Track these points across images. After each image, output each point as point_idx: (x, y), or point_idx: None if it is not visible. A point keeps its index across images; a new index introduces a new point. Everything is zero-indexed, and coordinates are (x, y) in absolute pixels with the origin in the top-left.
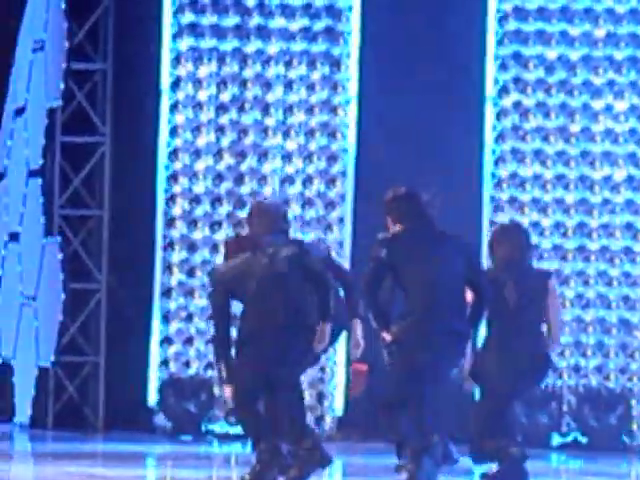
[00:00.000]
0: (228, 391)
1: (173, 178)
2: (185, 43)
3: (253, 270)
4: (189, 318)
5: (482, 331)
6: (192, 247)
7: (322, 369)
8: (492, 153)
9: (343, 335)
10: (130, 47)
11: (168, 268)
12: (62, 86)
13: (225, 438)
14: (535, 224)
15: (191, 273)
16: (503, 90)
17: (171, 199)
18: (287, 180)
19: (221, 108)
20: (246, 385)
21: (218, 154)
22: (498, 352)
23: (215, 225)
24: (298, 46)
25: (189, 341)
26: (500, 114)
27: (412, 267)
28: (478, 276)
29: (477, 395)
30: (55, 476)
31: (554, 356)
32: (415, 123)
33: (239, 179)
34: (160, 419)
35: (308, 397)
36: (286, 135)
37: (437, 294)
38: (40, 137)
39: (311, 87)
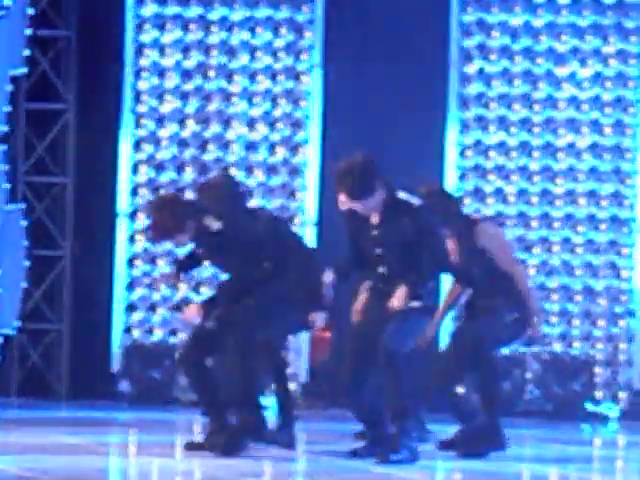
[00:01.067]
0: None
1: (138, 145)
2: (149, 9)
3: None
4: (152, 285)
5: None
6: None
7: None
8: (457, 121)
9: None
10: (94, 14)
11: (132, 235)
12: (26, 53)
13: (188, 405)
14: (499, 191)
15: None
16: (467, 57)
17: (135, 166)
18: (251, 147)
19: (185, 75)
20: None
21: (182, 121)
22: None
23: (180, 192)
24: (262, 12)
25: (153, 308)
26: (464, 81)
27: None
28: None
29: None
30: (19, 443)
31: None
32: (379, 91)
33: (203, 146)
34: (124, 386)
35: None
36: (250, 102)
37: None
38: (4, 104)
39: (275, 54)
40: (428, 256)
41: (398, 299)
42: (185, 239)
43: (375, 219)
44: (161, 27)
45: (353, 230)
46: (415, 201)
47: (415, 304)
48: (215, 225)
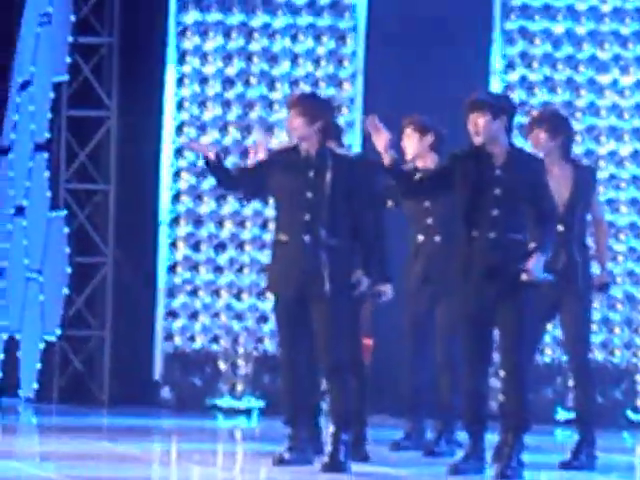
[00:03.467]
0: None
1: (179, 152)
2: (191, 16)
3: None
4: (194, 292)
5: None
6: (198, 221)
7: None
8: None
9: None
10: (136, 21)
11: (174, 242)
12: (68, 60)
13: (229, 412)
14: None
15: (196, 247)
16: (509, 65)
17: (177, 173)
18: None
19: (227, 82)
20: None
21: (224, 128)
22: None
23: (221, 199)
24: (304, 20)
25: (194, 315)
26: (506, 89)
27: None
28: None
29: None
30: (60, 451)
31: None
32: (421, 100)
33: (245, 153)
34: (165, 393)
35: None
36: None
37: None
38: (46, 111)
39: (317, 61)
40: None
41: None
42: None
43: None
44: (203, 34)
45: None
46: None
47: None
48: None
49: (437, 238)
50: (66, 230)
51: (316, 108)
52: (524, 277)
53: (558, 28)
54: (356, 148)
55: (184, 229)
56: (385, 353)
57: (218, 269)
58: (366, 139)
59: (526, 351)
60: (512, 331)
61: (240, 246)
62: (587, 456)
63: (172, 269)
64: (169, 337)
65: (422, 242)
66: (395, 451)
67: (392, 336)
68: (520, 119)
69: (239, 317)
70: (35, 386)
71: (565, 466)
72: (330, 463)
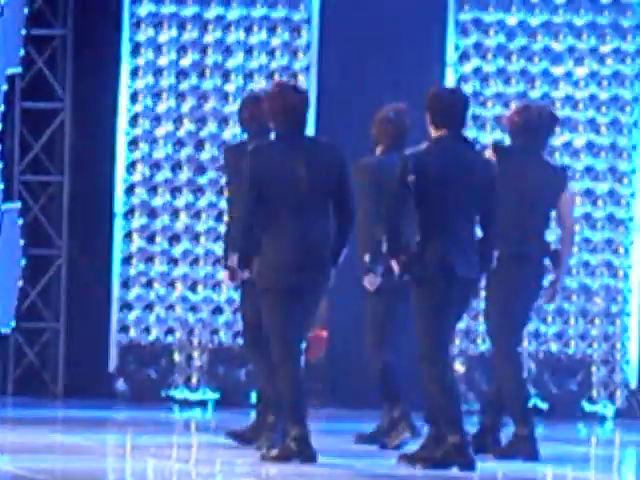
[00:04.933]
0: None
1: (133, 144)
2: (145, 8)
3: None
4: (149, 284)
5: None
6: (152, 213)
7: None
8: None
9: None
10: (90, 13)
11: (128, 234)
12: (21, 52)
13: (185, 404)
14: None
15: (151, 239)
16: (464, 56)
17: (131, 165)
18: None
19: (181, 74)
20: None
21: (178, 120)
22: None
23: (175, 191)
24: (258, 12)
25: (149, 307)
26: (460, 80)
27: None
28: None
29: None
30: (15, 442)
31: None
32: (374, 90)
33: (199, 145)
34: (120, 385)
35: None
36: None
37: None
38: None
39: (271, 53)
40: None
41: None
42: None
43: None
44: (157, 26)
45: None
46: None
47: None
48: None
49: None
50: (20, 222)
51: None
52: None
53: (512, 19)
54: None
55: (138, 221)
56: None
57: (173, 261)
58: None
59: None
60: None
61: (195, 238)
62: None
63: (127, 261)
64: (124, 329)
65: None
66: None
67: (349, 328)
68: (475, 110)
69: (194, 309)
70: None
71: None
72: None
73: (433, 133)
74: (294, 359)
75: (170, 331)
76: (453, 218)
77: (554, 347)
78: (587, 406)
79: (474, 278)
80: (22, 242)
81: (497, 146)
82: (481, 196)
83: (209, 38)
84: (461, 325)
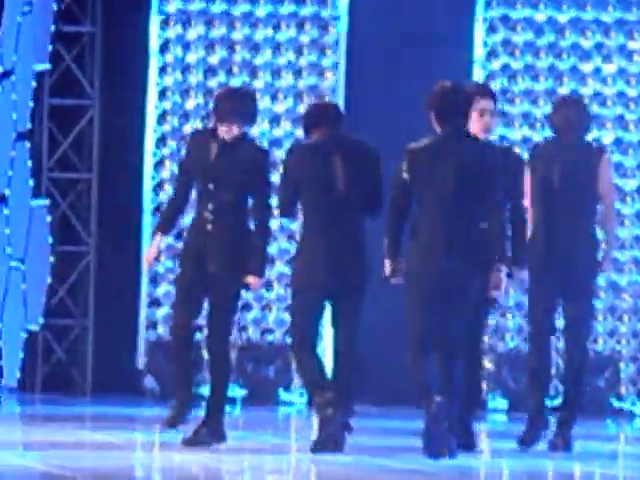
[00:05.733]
0: None
1: (162, 141)
2: (173, 5)
3: None
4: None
5: None
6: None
7: None
8: None
9: None
10: (118, 9)
11: None
12: (50, 49)
13: None
14: None
15: (179, 236)
16: (491, 53)
17: (160, 162)
18: (275, 143)
19: (209, 71)
20: None
21: (207, 117)
22: None
23: None
24: (286, 8)
25: None
26: (488, 77)
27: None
28: None
29: None
30: (43, 440)
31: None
32: (404, 89)
33: None
34: (149, 382)
35: None
36: (274, 98)
37: None
38: (28, 100)
39: (299, 50)
40: None
41: None
42: None
43: None
44: (185, 23)
45: None
46: None
47: None
48: None
49: None
50: (48, 219)
51: None
52: None
53: (540, 16)
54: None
55: None
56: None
57: None
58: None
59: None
60: None
61: None
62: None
63: (155, 257)
64: (152, 326)
65: None
66: None
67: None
68: (504, 107)
69: None
70: (18, 375)
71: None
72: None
73: (438, 130)
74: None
75: (199, 328)
76: (445, 214)
77: None
78: (615, 403)
79: (460, 269)
80: (50, 239)
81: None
82: (484, 191)
83: (237, 35)
84: (490, 321)
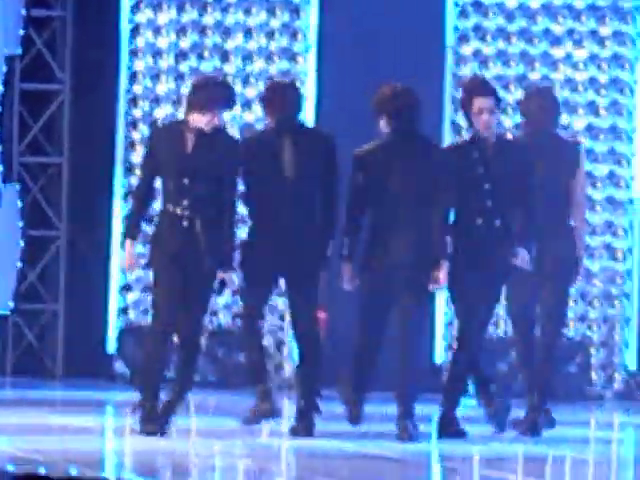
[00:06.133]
0: None
1: (133, 125)
2: None
3: None
4: (148, 266)
5: None
6: None
7: (281, 317)
8: (452, 101)
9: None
10: None
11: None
12: (21, 33)
13: None
14: None
15: (151, 221)
16: (463, 38)
17: (131, 146)
18: (246, 127)
19: (181, 55)
20: None
21: (178, 101)
22: None
23: None
24: None
25: (148, 288)
26: (460, 62)
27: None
28: None
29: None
30: (14, 424)
31: None
32: (375, 72)
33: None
34: (119, 366)
35: (267, 345)
36: (245, 83)
37: None
38: None
39: (271, 34)
40: None
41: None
42: None
43: None
44: (156, 7)
45: None
46: None
47: None
48: None
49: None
50: (19, 203)
51: None
52: None
53: (511, 1)
54: (309, 122)
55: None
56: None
57: None
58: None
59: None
60: None
61: None
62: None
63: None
64: (123, 311)
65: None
66: None
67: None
68: None
69: None
70: None
71: None
72: None
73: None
74: None
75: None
76: (400, 215)
77: None
78: (586, 388)
79: (409, 263)
80: (21, 223)
81: None
82: (436, 187)
83: (208, 19)
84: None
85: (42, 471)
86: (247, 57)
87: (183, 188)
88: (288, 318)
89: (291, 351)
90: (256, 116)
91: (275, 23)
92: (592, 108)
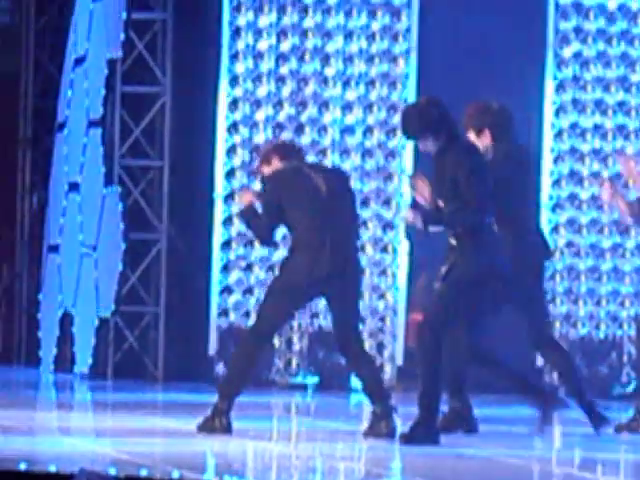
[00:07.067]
0: None
1: (233, 128)
2: None
3: None
4: (249, 268)
5: None
6: None
7: (382, 319)
8: (553, 104)
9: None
10: None
11: (228, 218)
12: (122, 36)
13: (285, 388)
14: (595, 174)
15: None
16: (563, 40)
17: (231, 149)
18: (347, 130)
19: (281, 58)
20: None
21: (278, 104)
22: None
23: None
24: None
25: (249, 291)
26: (561, 64)
27: None
28: None
29: None
30: (115, 426)
31: None
32: (475, 74)
33: (299, 129)
34: (220, 369)
35: (367, 347)
36: (346, 85)
37: None
38: (100, 87)
39: (371, 37)
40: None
41: None
42: None
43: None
44: (257, 10)
45: None
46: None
47: None
48: None
49: None
50: (120, 206)
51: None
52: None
53: (612, 3)
54: None
55: (238, 205)
56: None
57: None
58: None
59: None
60: None
61: None
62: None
63: (226, 245)
64: (224, 313)
65: None
66: None
67: None
68: (575, 94)
69: None
70: (90, 362)
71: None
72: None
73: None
74: None
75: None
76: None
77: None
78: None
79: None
80: (122, 226)
81: None
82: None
83: (309, 22)
84: (562, 309)
85: (144, 473)
86: (348, 59)
87: None
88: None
89: (392, 353)
90: (356, 118)
91: (376, 26)
92: None
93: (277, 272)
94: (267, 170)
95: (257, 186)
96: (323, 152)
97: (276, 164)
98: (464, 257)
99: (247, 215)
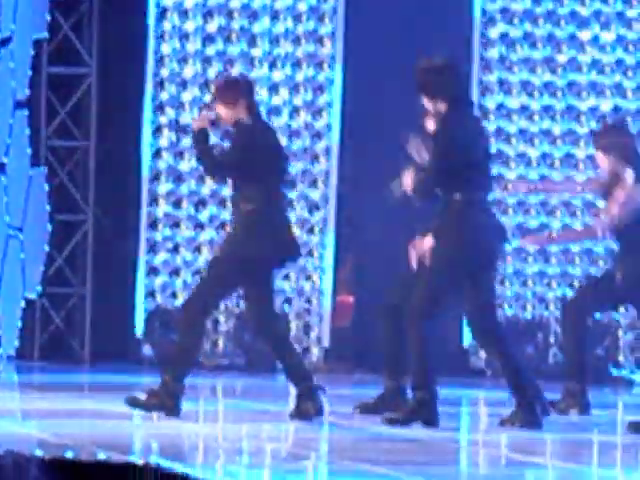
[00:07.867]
0: None
1: (160, 109)
2: None
3: None
4: (175, 249)
5: None
6: (178, 178)
7: (308, 300)
8: (479, 84)
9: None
10: None
11: (154, 199)
12: (48, 17)
13: (211, 369)
14: (521, 155)
15: (177, 204)
16: (490, 21)
17: (157, 130)
18: (273, 111)
19: (207, 39)
20: None
21: (205, 85)
22: None
23: None
24: None
25: (176, 272)
26: (487, 45)
27: None
28: None
29: None
30: (42, 408)
31: None
32: (401, 55)
33: None
34: (147, 350)
35: (294, 329)
36: (272, 66)
37: None
38: (26, 68)
39: (297, 17)
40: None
41: None
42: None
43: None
44: None
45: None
46: None
47: None
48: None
49: None
50: (47, 187)
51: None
52: None
53: None
54: (336, 106)
55: (165, 186)
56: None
57: (199, 226)
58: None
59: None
60: None
61: (221, 203)
62: None
63: (153, 226)
64: (150, 294)
65: None
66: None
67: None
68: (501, 75)
69: None
70: (16, 344)
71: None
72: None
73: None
74: None
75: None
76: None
77: None
78: (614, 371)
79: None
80: (48, 207)
81: None
82: None
83: (235, 3)
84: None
85: (70, 455)
86: (274, 40)
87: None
88: (314, 301)
89: (318, 334)
90: (282, 99)
91: (302, 7)
92: (619, 90)
93: None
94: (231, 111)
95: (183, 166)
96: None
97: (242, 112)
98: (446, 233)
99: (198, 139)
